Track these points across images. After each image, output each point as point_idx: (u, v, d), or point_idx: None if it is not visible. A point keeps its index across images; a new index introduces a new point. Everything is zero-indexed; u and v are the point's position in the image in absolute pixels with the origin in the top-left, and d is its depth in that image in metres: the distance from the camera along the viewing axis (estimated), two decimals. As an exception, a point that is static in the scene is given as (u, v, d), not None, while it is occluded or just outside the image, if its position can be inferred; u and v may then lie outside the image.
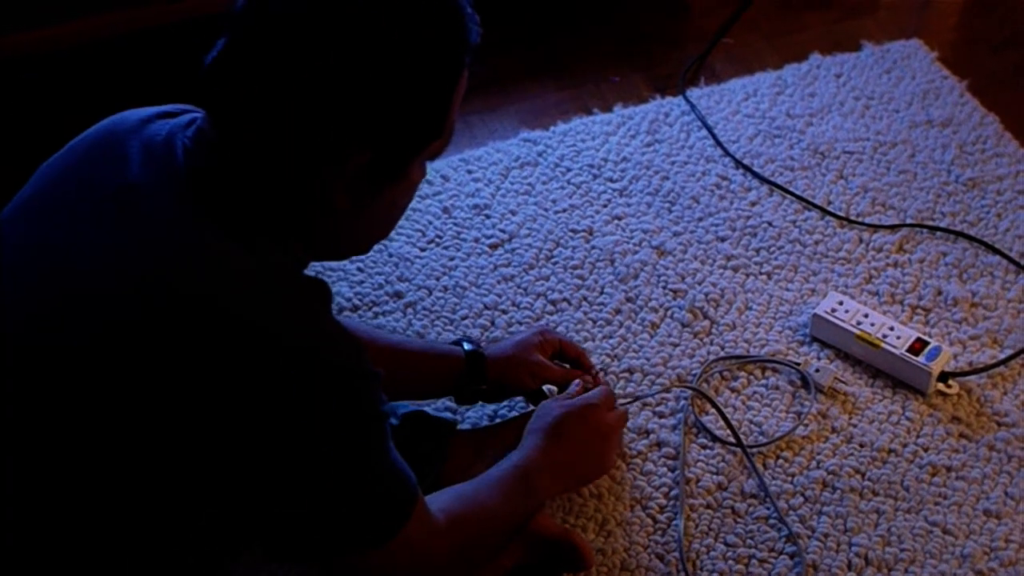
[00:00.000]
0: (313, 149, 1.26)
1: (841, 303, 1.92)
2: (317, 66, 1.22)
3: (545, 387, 1.75)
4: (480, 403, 1.81)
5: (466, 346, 1.75)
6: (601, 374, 1.86)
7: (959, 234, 2.07)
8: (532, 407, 1.75)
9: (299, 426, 1.27)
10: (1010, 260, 2.03)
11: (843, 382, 1.86)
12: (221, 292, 1.25)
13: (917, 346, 1.85)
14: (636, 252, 2.05)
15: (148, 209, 1.28)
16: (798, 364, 1.88)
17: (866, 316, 1.89)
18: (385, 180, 1.31)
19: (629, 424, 1.81)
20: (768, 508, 1.72)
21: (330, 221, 1.33)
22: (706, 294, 1.98)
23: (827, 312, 1.90)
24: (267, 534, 1.35)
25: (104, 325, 1.24)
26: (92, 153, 1.37)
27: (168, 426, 1.24)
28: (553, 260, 2.05)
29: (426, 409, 1.80)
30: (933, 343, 1.85)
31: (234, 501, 1.30)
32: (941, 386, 1.85)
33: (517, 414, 1.82)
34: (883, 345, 1.85)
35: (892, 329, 1.87)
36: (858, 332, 1.88)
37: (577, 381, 1.73)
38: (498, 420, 1.82)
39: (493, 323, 1.95)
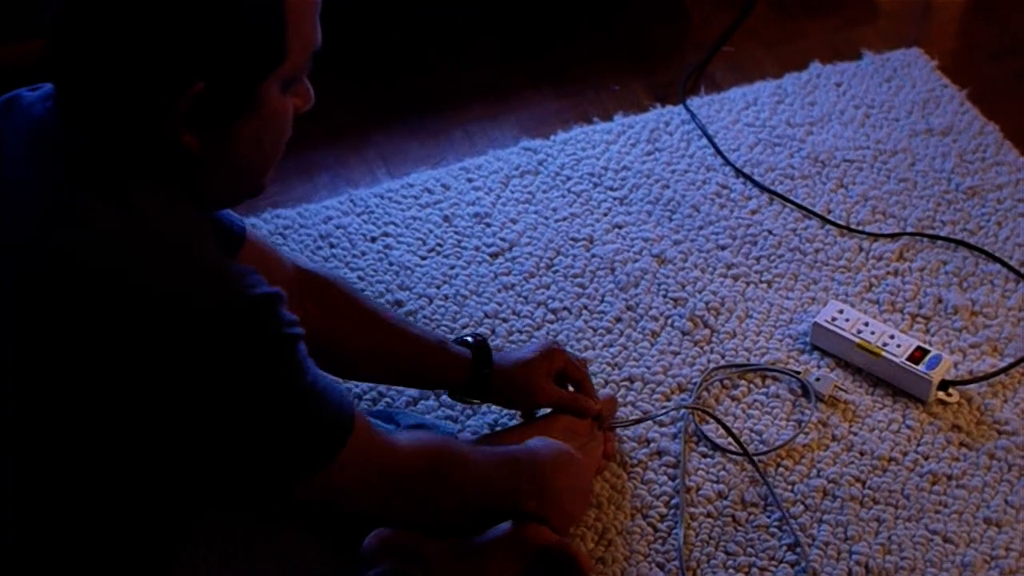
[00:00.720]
0: (139, 89, 1.23)
1: (841, 311, 1.92)
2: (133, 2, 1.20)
3: (539, 412, 1.76)
4: (475, 405, 1.82)
5: (472, 357, 1.73)
6: (612, 388, 1.86)
7: (959, 242, 2.07)
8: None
9: (200, 372, 1.23)
10: (1010, 268, 2.03)
11: (843, 390, 1.87)
12: (91, 251, 1.22)
13: (917, 355, 1.85)
14: (636, 261, 2.05)
15: (16, 177, 1.27)
16: (798, 372, 1.88)
17: (866, 325, 1.90)
18: (232, 112, 1.27)
19: (629, 433, 1.81)
20: (769, 516, 1.72)
21: (192, 165, 1.29)
22: (706, 303, 1.99)
23: (827, 321, 1.90)
24: (209, 483, 1.33)
25: None
26: None
27: (74, 393, 1.23)
28: (553, 269, 2.05)
29: (427, 418, 1.80)
30: (933, 352, 1.85)
31: (164, 456, 1.27)
32: (942, 395, 1.85)
33: (519, 422, 1.82)
34: (883, 354, 1.86)
35: (892, 338, 1.87)
36: (858, 341, 1.88)
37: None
38: (499, 428, 1.82)
39: (494, 331, 1.95)
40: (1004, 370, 1.88)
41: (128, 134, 1.26)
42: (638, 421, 1.83)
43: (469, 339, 1.74)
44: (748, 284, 2.02)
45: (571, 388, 1.79)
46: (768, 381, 1.88)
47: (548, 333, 1.94)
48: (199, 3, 1.21)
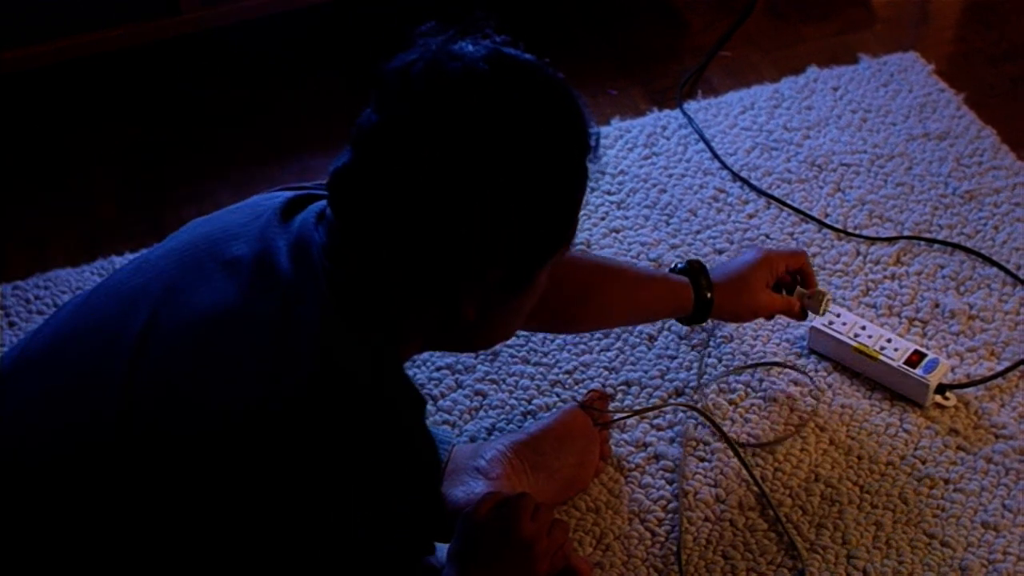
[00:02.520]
0: (450, 269, 1.26)
1: (839, 315, 1.91)
2: (450, 193, 1.22)
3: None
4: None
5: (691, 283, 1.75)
6: (610, 390, 1.86)
7: (956, 246, 2.07)
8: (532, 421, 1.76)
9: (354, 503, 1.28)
10: (1007, 272, 2.03)
11: (841, 393, 1.87)
12: (343, 417, 1.25)
13: (915, 358, 1.85)
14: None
15: (301, 312, 1.27)
16: (800, 368, 1.88)
17: (863, 328, 1.89)
18: (516, 291, 1.32)
19: (627, 437, 1.81)
20: (766, 520, 1.72)
21: (456, 327, 1.33)
22: (704, 307, 1.98)
23: (824, 324, 1.90)
24: None
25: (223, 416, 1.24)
26: (232, 229, 1.36)
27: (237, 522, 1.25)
28: (551, 273, 2.04)
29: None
30: (931, 355, 1.85)
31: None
32: (939, 398, 1.85)
33: (515, 428, 1.82)
34: (880, 357, 1.85)
35: (889, 341, 1.87)
36: (855, 344, 1.87)
37: (489, 493, 1.64)
38: (496, 434, 1.82)
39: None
40: (1001, 373, 1.88)
41: (416, 297, 1.29)
42: (631, 415, 1.83)
43: (681, 265, 1.77)
44: (745, 288, 2.02)
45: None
46: (765, 384, 1.88)
47: (545, 338, 1.94)
48: (520, 197, 1.24)
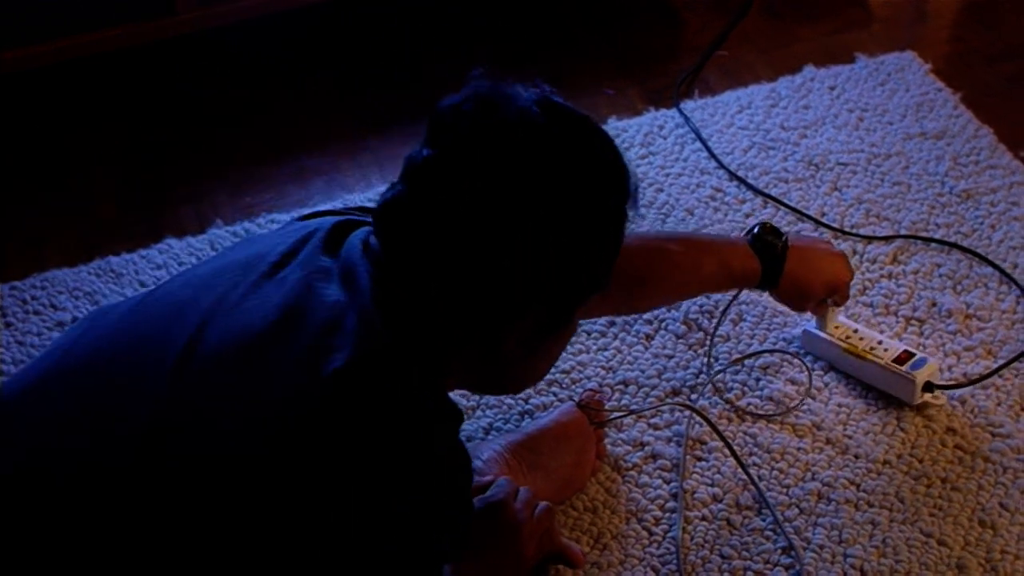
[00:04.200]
0: (494, 305, 1.28)
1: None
2: (498, 232, 1.25)
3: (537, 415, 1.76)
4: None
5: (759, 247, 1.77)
6: (607, 390, 1.87)
7: (953, 245, 2.08)
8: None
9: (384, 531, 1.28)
10: (1003, 273, 2.03)
11: (838, 392, 1.87)
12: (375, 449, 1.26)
13: (904, 357, 1.85)
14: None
15: (345, 333, 1.27)
16: (799, 356, 1.88)
17: (855, 331, 1.89)
18: (552, 331, 1.35)
19: (624, 436, 1.81)
20: (764, 520, 1.72)
21: (492, 366, 1.36)
22: (700, 306, 1.98)
23: (816, 327, 1.90)
24: None
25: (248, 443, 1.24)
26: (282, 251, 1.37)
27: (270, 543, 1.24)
28: (548, 273, 2.04)
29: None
30: (920, 355, 1.85)
31: None
32: (928, 396, 1.84)
33: (512, 427, 1.82)
34: (869, 356, 1.85)
35: (880, 343, 1.87)
36: (845, 346, 1.87)
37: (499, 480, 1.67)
38: (493, 434, 1.82)
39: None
40: (989, 375, 1.87)
41: (459, 334, 1.31)
42: (628, 413, 1.83)
43: (756, 230, 1.78)
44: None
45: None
46: (762, 383, 1.88)
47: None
48: (564, 241, 1.27)
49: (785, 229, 2.08)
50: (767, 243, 1.77)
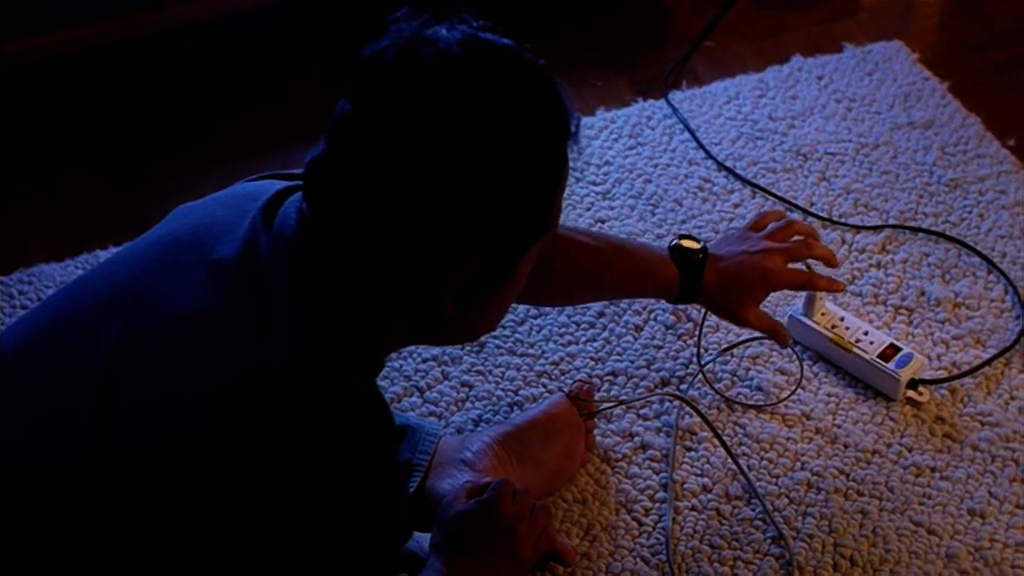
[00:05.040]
0: (422, 261, 1.23)
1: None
2: (425, 181, 1.19)
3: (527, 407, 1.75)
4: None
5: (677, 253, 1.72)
6: (596, 381, 1.86)
7: (941, 235, 2.08)
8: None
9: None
10: (990, 263, 2.03)
11: (827, 382, 1.87)
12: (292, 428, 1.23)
13: (889, 352, 1.85)
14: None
15: (273, 315, 1.25)
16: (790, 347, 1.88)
17: (842, 320, 1.89)
18: (494, 282, 1.28)
19: (614, 427, 1.81)
20: (753, 510, 1.72)
21: (436, 322, 1.30)
22: (690, 297, 1.98)
23: (803, 314, 1.90)
24: None
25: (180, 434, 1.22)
26: (221, 217, 1.35)
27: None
28: (536, 264, 2.04)
29: (411, 416, 1.80)
30: (905, 350, 1.85)
31: None
32: (912, 393, 1.84)
33: (502, 419, 1.82)
34: (854, 350, 1.85)
35: (866, 334, 1.87)
36: (831, 336, 1.87)
37: (468, 481, 1.64)
38: (482, 426, 1.82)
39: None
40: (973, 371, 1.87)
41: (391, 293, 1.26)
42: (618, 404, 1.83)
43: (673, 242, 1.73)
44: (731, 278, 2.02)
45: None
46: (751, 372, 1.88)
47: (531, 329, 1.94)
48: (492, 184, 1.20)
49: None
50: (683, 250, 1.72)
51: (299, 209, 1.27)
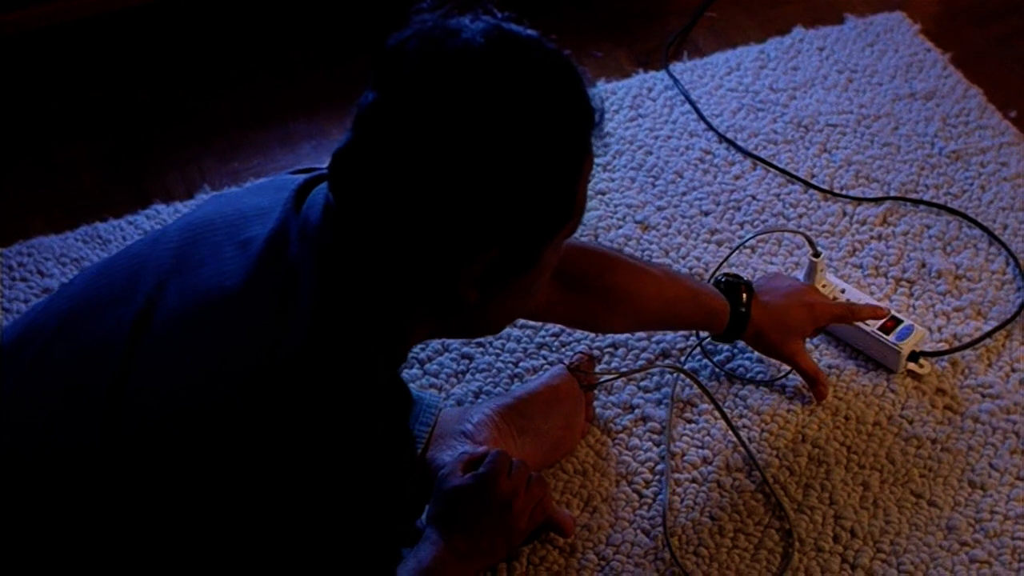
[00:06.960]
0: (443, 248, 1.24)
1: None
2: (445, 170, 1.20)
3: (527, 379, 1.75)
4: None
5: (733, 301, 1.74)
6: (596, 353, 1.86)
7: (942, 207, 2.07)
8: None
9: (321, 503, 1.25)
10: (991, 235, 2.02)
11: (828, 354, 1.87)
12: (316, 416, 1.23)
13: (890, 324, 1.84)
14: (620, 227, 2.05)
15: (298, 296, 1.26)
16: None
17: (843, 292, 1.89)
18: (517, 271, 1.29)
19: (614, 399, 1.81)
20: (753, 481, 1.72)
21: (461, 311, 1.31)
22: (690, 268, 1.98)
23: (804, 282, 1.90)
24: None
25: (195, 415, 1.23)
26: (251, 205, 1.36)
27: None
28: (537, 236, 2.04)
29: (411, 387, 1.79)
30: (906, 322, 1.85)
31: None
32: (913, 366, 1.84)
33: (502, 391, 1.81)
34: (855, 322, 1.85)
35: (867, 307, 1.87)
36: None
37: (463, 453, 1.64)
38: (482, 398, 1.82)
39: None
40: (972, 343, 1.87)
41: (413, 282, 1.27)
42: (618, 376, 1.83)
43: (722, 278, 1.76)
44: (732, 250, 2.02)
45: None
46: (749, 348, 1.88)
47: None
48: (513, 174, 1.21)
49: (773, 192, 2.08)
50: (731, 283, 1.75)
51: (326, 196, 1.29)
